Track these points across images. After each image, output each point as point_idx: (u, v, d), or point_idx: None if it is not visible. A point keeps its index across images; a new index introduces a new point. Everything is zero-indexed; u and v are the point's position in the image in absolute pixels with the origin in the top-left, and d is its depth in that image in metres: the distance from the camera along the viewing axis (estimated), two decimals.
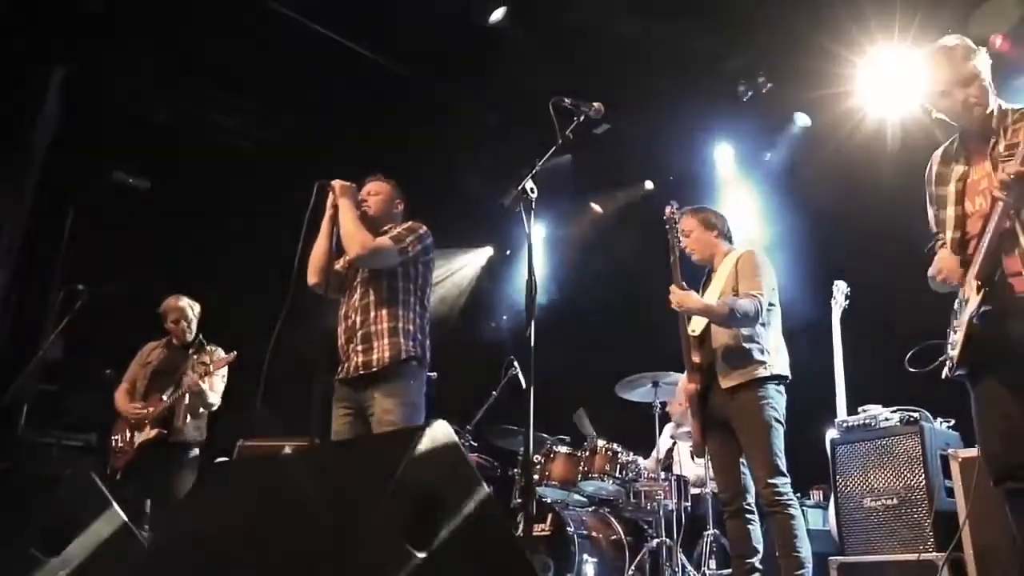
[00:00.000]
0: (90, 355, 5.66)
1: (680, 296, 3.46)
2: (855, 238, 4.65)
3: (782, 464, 3.34)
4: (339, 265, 3.60)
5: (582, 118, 2.97)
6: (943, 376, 2.67)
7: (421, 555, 1.35)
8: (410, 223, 3.60)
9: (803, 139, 6.31)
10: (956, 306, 2.65)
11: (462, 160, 7.32)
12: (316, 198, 3.49)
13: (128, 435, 4.76)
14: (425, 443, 1.42)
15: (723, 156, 6.85)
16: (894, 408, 3.90)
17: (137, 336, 5.32)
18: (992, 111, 2.59)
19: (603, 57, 5.90)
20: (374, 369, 3.34)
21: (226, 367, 4.93)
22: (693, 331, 3.56)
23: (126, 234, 6.37)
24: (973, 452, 3.31)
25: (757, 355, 3.43)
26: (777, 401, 3.42)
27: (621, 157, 6.82)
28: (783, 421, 3.41)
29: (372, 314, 3.42)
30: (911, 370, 2.92)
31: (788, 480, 3.35)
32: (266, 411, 3.40)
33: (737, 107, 6.38)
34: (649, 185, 7.37)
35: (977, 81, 2.57)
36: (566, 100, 2.96)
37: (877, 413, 3.95)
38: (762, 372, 3.41)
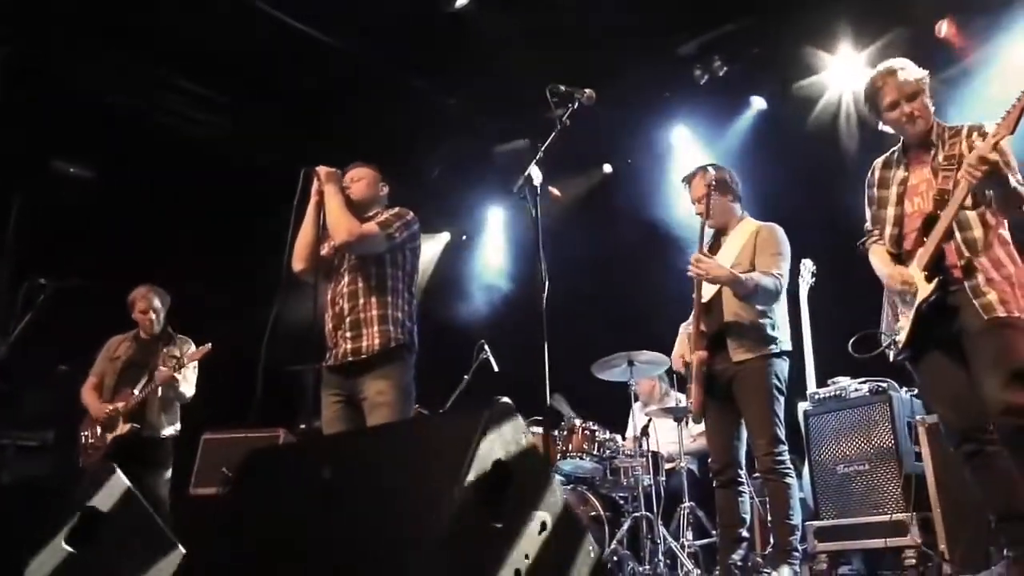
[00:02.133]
0: (41, 350, 5.46)
1: (709, 265, 3.42)
2: (819, 217, 4.82)
3: (782, 433, 3.43)
4: (324, 251, 3.56)
5: (576, 104, 3.04)
6: (890, 360, 2.98)
7: (499, 525, 1.41)
8: (397, 209, 3.58)
9: (762, 122, 6.47)
10: (896, 296, 2.93)
11: (419, 146, 7.28)
12: (302, 185, 3.45)
13: (99, 431, 4.65)
14: (495, 419, 1.47)
15: (680, 139, 6.97)
16: (862, 379, 4.07)
17: (90, 330, 5.17)
18: (932, 126, 2.96)
19: (563, 43, 5.94)
20: (364, 356, 3.33)
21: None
22: (702, 298, 3.55)
23: (76, 225, 6.15)
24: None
25: (770, 331, 3.50)
26: (781, 371, 3.51)
27: (578, 141, 6.86)
28: (784, 392, 3.51)
29: (361, 301, 3.41)
30: (855, 355, 3.12)
31: (787, 448, 3.45)
32: (260, 401, 3.34)
33: (694, 90, 6.51)
34: (608, 168, 7.46)
35: (921, 96, 2.93)
36: (561, 87, 3.02)
37: (847, 385, 4.12)
38: (773, 348, 3.49)
